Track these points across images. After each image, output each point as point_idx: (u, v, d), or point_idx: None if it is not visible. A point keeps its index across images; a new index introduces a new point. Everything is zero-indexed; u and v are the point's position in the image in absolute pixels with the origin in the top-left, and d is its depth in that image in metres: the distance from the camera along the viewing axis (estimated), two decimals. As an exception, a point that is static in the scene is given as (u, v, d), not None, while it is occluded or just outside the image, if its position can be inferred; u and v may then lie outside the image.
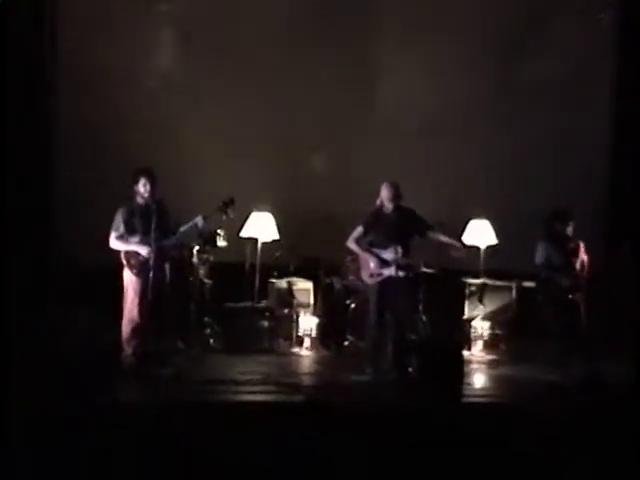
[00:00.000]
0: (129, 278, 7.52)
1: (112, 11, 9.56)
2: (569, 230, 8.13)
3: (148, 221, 7.44)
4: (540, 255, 8.09)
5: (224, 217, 7.86)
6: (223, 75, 9.82)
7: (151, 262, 7.40)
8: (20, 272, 7.02)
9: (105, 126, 9.37)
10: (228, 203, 7.75)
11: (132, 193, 7.61)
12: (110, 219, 7.62)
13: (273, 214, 9.21)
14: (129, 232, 7.53)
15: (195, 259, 8.58)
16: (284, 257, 9.13)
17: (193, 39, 9.77)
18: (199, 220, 7.63)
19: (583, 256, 8.14)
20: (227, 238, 8.66)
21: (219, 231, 8.56)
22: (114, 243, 7.56)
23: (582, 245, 8.13)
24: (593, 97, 10.01)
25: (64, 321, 8.17)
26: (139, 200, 7.58)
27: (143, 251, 7.46)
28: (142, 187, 7.53)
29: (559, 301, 8.00)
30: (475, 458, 5.79)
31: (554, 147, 9.92)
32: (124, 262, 7.51)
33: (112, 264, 7.59)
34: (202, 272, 8.72)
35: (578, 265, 8.11)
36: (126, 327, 7.51)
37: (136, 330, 7.48)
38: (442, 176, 9.88)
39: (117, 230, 7.55)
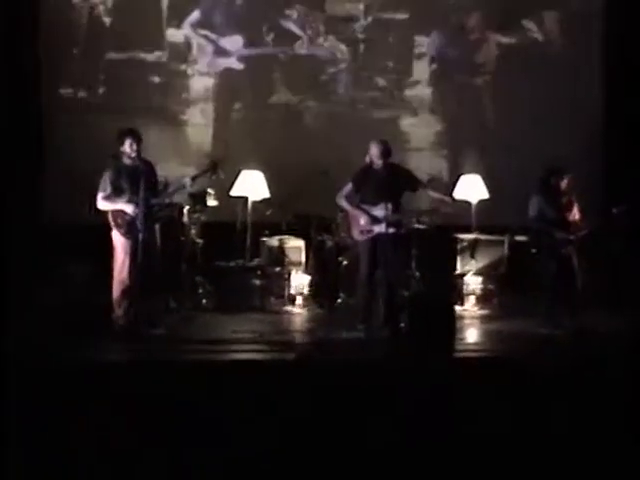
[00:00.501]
0: (117, 239, 7.49)
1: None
2: (564, 184, 8.07)
3: (135, 181, 7.38)
4: (534, 208, 8.05)
5: (213, 177, 7.82)
6: (215, 33, 9.83)
7: (138, 221, 7.36)
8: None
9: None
10: (214, 166, 7.72)
11: (119, 154, 7.54)
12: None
13: (263, 172, 9.13)
14: (116, 193, 7.48)
15: (186, 219, 8.55)
16: (275, 215, 9.08)
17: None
18: (187, 181, 7.59)
19: (577, 210, 8.10)
20: (217, 197, 8.62)
21: (209, 190, 8.52)
22: (101, 204, 7.52)
23: (576, 199, 8.10)
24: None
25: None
26: (126, 160, 7.52)
27: (129, 209, 7.42)
28: (128, 147, 7.47)
29: (552, 253, 7.98)
30: (467, 412, 5.79)
31: (549, 109, 9.93)
32: (111, 222, 7.47)
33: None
34: (193, 232, 8.69)
35: (572, 219, 8.08)
36: (116, 288, 7.49)
37: (126, 291, 7.45)
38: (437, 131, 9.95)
39: (104, 191, 7.50)
